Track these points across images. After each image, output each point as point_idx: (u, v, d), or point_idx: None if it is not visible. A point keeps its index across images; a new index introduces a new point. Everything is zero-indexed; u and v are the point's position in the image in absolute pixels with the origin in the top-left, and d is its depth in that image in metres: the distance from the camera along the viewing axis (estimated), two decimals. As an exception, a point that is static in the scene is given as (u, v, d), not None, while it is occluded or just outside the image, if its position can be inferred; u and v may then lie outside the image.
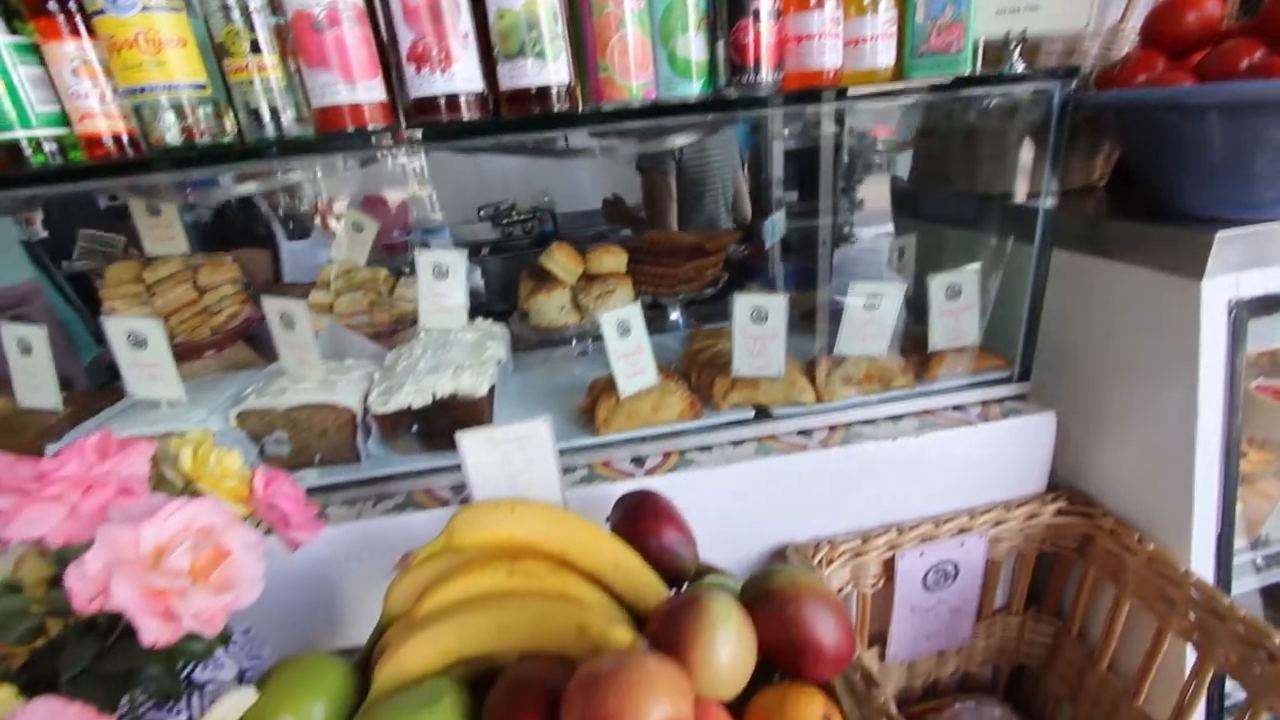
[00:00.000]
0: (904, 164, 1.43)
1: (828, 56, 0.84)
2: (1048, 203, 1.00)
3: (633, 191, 2.32)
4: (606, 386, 1.03)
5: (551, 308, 1.25)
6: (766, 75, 0.82)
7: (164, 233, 1.23)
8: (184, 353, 1.20)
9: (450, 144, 0.86)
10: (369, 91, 0.74)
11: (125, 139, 0.77)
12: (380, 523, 0.92)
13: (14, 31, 0.73)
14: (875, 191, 1.52)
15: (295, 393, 0.96)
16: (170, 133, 0.73)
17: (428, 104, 0.75)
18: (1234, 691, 0.94)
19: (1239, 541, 0.97)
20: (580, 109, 0.82)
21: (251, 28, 0.71)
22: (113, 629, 0.53)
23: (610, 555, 0.69)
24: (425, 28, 0.72)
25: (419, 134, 0.78)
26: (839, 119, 1.11)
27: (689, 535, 0.76)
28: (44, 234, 2.00)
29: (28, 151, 0.75)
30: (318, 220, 2.25)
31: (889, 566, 1.05)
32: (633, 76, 0.80)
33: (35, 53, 0.74)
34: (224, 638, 0.60)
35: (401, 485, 0.97)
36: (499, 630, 0.62)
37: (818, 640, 0.59)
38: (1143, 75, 0.94)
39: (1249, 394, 0.96)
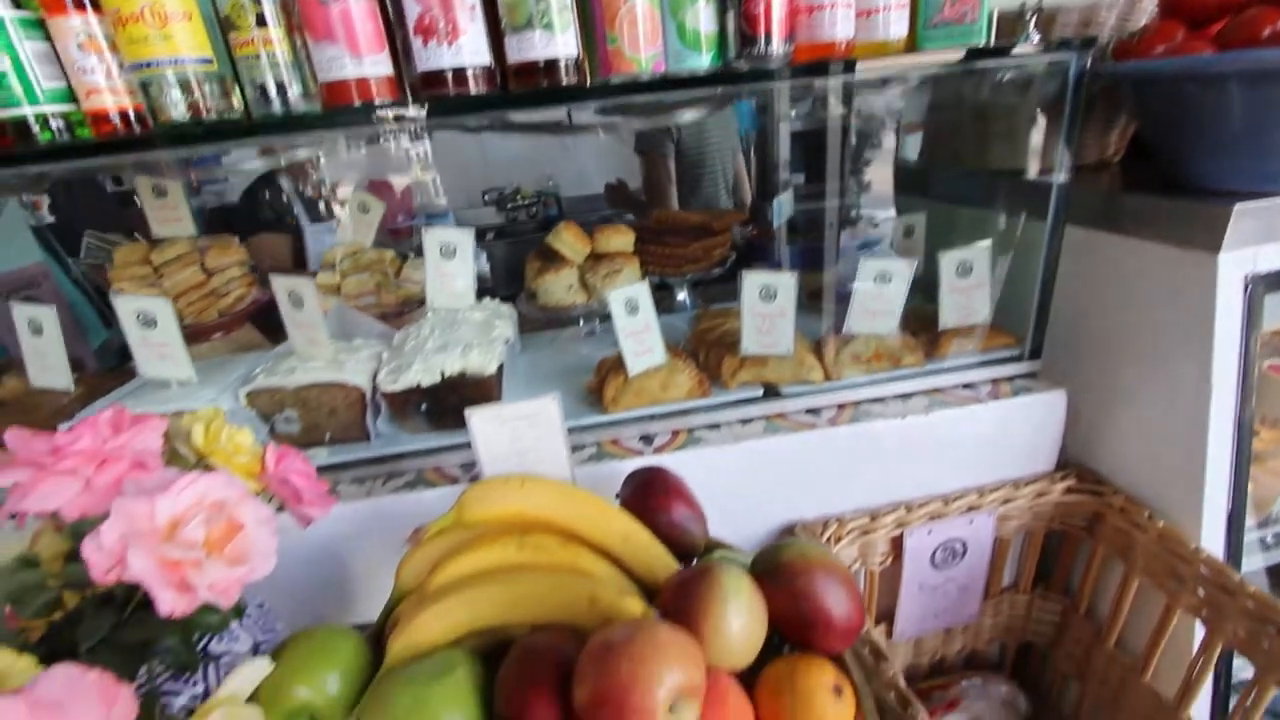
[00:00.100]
0: (913, 145, 1.41)
1: (840, 27, 0.82)
2: (1061, 178, 0.99)
3: (636, 175, 2.30)
4: (614, 365, 1.03)
5: (559, 287, 1.25)
6: (777, 47, 0.81)
7: (171, 214, 1.23)
8: (192, 335, 1.20)
9: (456, 121, 0.86)
10: (375, 66, 0.74)
11: (132, 115, 0.77)
12: (390, 500, 0.92)
13: (19, 5, 0.72)
14: (883, 174, 1.50)
15: (305, 372, 0.96)
16: (177, 109, 0.73)
17: (435, 78, 0.74)
18: (1241, 669, 0.94)
19: (1247, 520, 0.96)
20: (588, 83, 0.81)
21: (257, 1, 0.70)
22: (129, 600, 0.53)
23: (620, 529, 0.69)
24: (432, -1, 0.71)
25: (425, 109, 0.77)
26: (847, 96, 1.10)
27: (699, 511, 0.76)
28: (50, 219, 2.00)
29: (35, 128, 0.75)
30: (322, 205, 2.23)
31: (897, 544, 1.05)
32: (642, 49, 0.79)
33: (41, 28, 0.73)
34: (239, 611, 0.61)
35: (411, 463, 0.97)
36: (510, 602, 0.63)
37: (828, 612, 0.59)
38: (1161, 45, 0.92)
39: (1263, 373, 0.94)
